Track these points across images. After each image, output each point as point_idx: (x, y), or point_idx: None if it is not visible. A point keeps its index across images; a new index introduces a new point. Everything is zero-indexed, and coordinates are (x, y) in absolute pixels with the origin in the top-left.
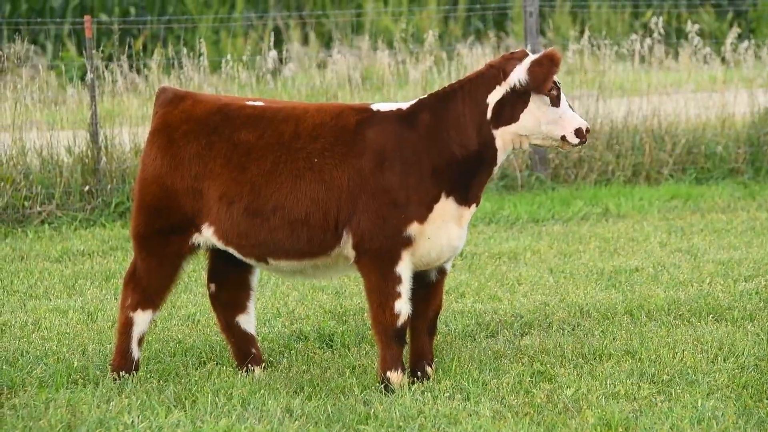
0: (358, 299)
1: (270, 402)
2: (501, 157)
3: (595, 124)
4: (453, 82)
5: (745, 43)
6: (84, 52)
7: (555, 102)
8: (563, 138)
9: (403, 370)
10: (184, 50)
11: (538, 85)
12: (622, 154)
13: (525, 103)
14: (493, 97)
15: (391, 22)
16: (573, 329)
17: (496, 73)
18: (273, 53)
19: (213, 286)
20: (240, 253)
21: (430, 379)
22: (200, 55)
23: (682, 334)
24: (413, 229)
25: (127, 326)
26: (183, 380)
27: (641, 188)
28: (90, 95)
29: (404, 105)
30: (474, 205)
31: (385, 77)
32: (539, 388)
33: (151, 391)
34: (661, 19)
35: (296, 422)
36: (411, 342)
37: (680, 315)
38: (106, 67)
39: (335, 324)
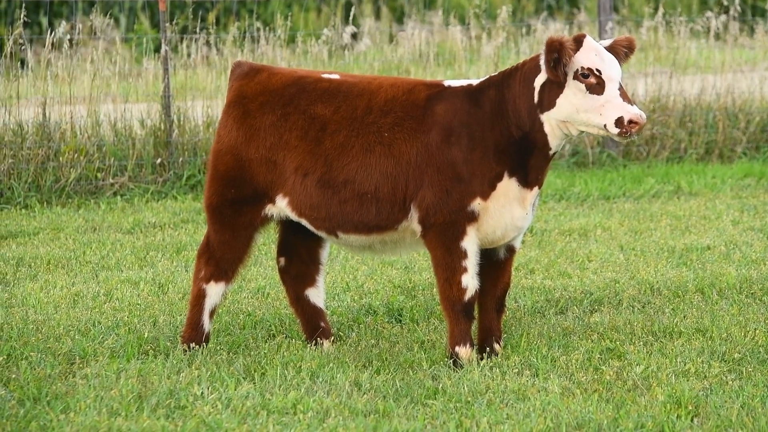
0: (427, 274)
1: (338, 375)
2: (553, 143)
3: (668, 101)
4: (520, 61)
5: None
6: (158, 25)
7: (594, 89)
8: (605, 127)
9: (472, 345)
10: (258, 24)
11: (548, 73)
12: (694, 132)
13: (561, 88)
14: (539, 81)
15: None
16: (643, 307)
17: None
18: (350, 28)
19: (283, 260)
20: (312, 225)
21: (498, 356)
22: (275, 29)
23: (753, 312)
24: (477, 204)
25: (199, 298)
26: (252, 353)
27: (714, 166)
28: (163, 68)
29: (475, 82)
30: (536, 188)
31: (458, 53)
32: (608, 365)
33: (220, 363)
34: None
35: (365, 396)
36: (479, 319)
37: (752, 294)
38: (180, 40)
39: (404, 299)
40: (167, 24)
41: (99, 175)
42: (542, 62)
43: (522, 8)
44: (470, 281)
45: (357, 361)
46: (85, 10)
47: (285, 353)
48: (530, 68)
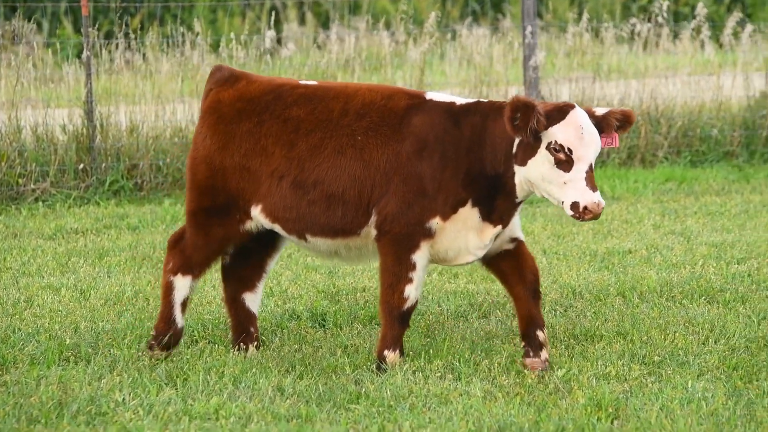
0: (351, 279)
1: (261, 381)
2: (520, 194)
3: (591, 106)
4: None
5: (749, 27)
6: (81, 30)
7: (561, 165)
8: (562, 203)
9: (401, 352)
10: (182, 29)
11: (507, 128)
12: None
13: (533, 152)
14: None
15: (389, 3)
16: (565, 310)
17: None
18: (271, 33)
19: (228, 258)
20: (284, 228)
21: (543, 347)
22: (198, 34)
23: (673, 315)
24: (435, 223)
25: (168, 290)
26: (175, 358)
27: (636, 171)
28: (86, 73)
29: (459, 100)
30: (499, 227)
31: (384, 58)
32: (530, 368)
33: (142, 368)
34: (666, 3)
35: (287, 401)
36: (518, 310)
37: (672, 297)
38: (103, 45)
39: (328, 303)
40: (90, 29)
41: (20, 180)
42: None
43: (447, 14)
44: (413, 292)
45: (280, 366)
46: (6, 15)
47: (208, 359)
48: None
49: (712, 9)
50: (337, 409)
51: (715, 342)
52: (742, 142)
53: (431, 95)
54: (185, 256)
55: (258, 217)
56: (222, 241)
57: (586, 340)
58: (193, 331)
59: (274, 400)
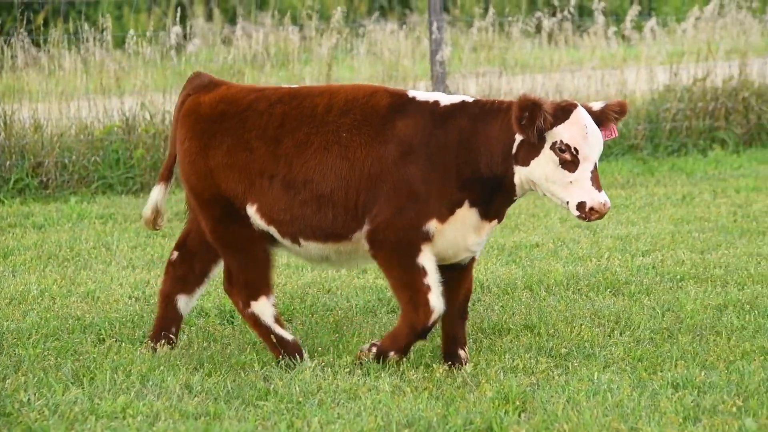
0: None
1: (169, 378)
2: (519, 192)
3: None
4: (504, 99)
5: (651, 21)
6: None
7: (566, 165)
8: (567, 204)
9: (405, 357)
10: (86, 25)
11: (515, 129)
12: None
13: (537, 152)
14: (519, 136)
15: None
16: (473, 304)
17: None
18: (177, 28)
19: (176, 254)
20: (279, 231)
21: (465, 364)
22: (103, 30)
23: (579, 308)
24: (432, 225)
25: (256, 322)
26: (81, 357)
27: None
28: None
29: (443, 98)
30: (495, 221)
31: (291, 54)
32: (439, 362)
33: (48, 368)
34: None
35: (195, 398)
36: (443, 327)
37: (579, 289)
38: (6, 42)
39: None
40: None
41: None
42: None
43: (355, 9)
44: (437, 301)
45: (188, 364)
46: None
47: (115, 357)
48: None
49: (616, 3)
50: (246, 406)
51: (621, 334)
52: (646, 135)
53: (413, 93)
54: (242, 285)
55: (254, 217)
56: (253, 245)
57: (494, 333)
58: (100, 330)
59: (182, 398)
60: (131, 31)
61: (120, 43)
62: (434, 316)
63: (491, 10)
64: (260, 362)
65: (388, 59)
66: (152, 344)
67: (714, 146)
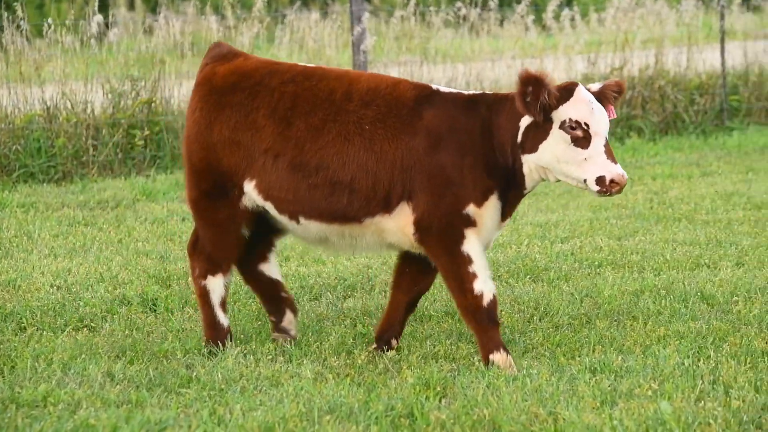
0: (182, 264)
1: (91, 367)
2: (529, 184)
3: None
4: (512, 91)
5: (570, 11)
6: None
7: (579, 142)
8: (585, 182)
9: (506, 350)
10: (6, 14)
11: (519, 107)
12: None
13: (545, 135)
14: (524, 122)
15: None
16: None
17: None
18: (98, 17)
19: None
20: (276, 208)
21: (392, 351)
22: (21, 18)
23: (500, 294)
24: (471, 209)
25: (204, 296)
26: (2, 346)
27: None
28: None
29: (463, 92)
30: (507, 221)
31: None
32: (361, 349)
33: None
34: None
35: (117, 386)
36: (387, 311)
37: (499, 276)
38: None
39: (159, 288)
40: None
41: None
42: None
43: None
44: (484, 286)
45: (110, 352)
46: None
47: (36, 345)
48: (516, 107)
49: None
50: (168, 393)
51: (540, 320)
52: None
53: (437, 86)
54: (206, 255)
55: (251, 193)
56: (232, 224)
57: (416, 320)
58: (21, 319)
59: (104, 386)
60: (50, 20)
61: (41, 32)
62: (485, 300)
63: (412, 0)
64: (183, 350)
65: (311, 48)
66: (273, 321)
67: (631, 134)
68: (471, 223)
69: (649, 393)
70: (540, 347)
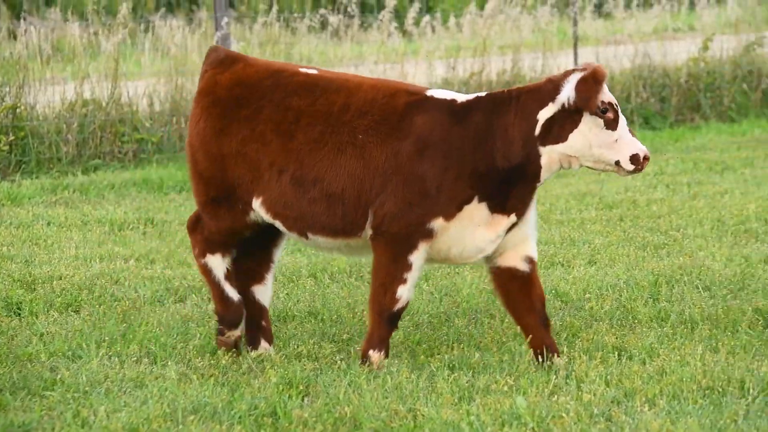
0: (47, 267)
1: None
2: (545, 175)
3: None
4: (512, 88)
5: (430, 17)
6: None
7: (610, 125)
8: (617, 163)
9: (387, 353)
10: None
11: (583, 103)
12: None
13: (575, 123)
14: (544, 114)
15: None
16: None
17: (551, 89)
18: None
19: (234, 252)
20: (285, 225)
21: (559, 372)
22: None
23: (362, 294)
24: (437, 223)
25: (207, 272)
26: None
27: None
28: None
29: (460, 97)
30: (514, 215)
31: (76, 49)
32: (225, 350)
33: None
34: None
35: None
36: (531, 340)
37: (361, 276)
38: None
39: (23, 292)
40: None
41: None
42: (570, 94)
43: (143, 5)
44: (406, 293)
45: None
46: None
47: None
48: (531, 100)
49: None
50: (32, 396)
51: (401, 319)
52: None
53: (432, 92)
54: (205, 238)
55: (259, 210)
56: (231, 232)
57: (280, 320)
58: None
59: None
60: None
61: None
62: (399, 305)
63: (275, 7)
64: (47, 353)
65: (175, 54)
66: (249, 345)
67: None
68: (430, 236)
69: (505, 388)
70: (400, 345)
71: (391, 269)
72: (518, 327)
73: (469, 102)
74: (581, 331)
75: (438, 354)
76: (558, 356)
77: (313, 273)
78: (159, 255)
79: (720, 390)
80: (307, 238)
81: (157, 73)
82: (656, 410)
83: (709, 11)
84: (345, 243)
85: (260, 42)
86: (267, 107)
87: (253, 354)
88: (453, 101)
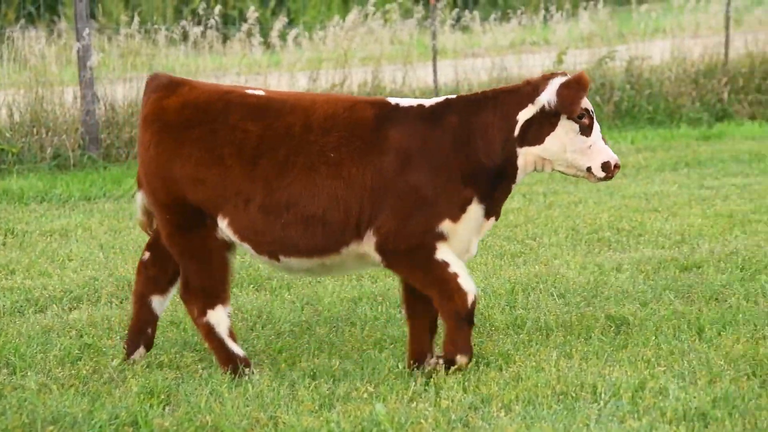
0: None
1: None
2: (520, 176)
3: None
4: (486, 89)
5: (294, 31)
6: None
7: (585, 131)
8: (589, 169)
9: (471, 355)
10: None
11: (565, 108)
12: None
13: (552, 126)
14: (524, 115)
15: None
16: (121, 302)
17: (530, 90)
18: None
19: (148, 255)
20: (255, 249)
21: (418, 379)
22: None
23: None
24: (446, 226)
25: (210, 333)
26: None
27: None
28: None
29: (424, 102)
30: (493, 219)
31: None
32: (86, 360)
33: None
34: (218, 7)
35: None
36: (411, 343)
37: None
38: None
39: None
40: None
41: None
42: (551, 97)
43: (2, 16)
44: (467, 284)
45: None
46: None
47: None
48: (510, 101)
49: (259, 12)
50: None
51: (263, 327)
52: None
53: (395, 101)
54: (198, 292)
55: (225, 231)
56: (213, 251)
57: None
58: None
59: None
60: None
61: None
62: (470, 298)
63: (136, 18)
64: None
65: (35, 66)
66: (126, 348)
67: None
68: (443, 238)
69: (365, 395)
70: (262, 354)
71: (431, 278)
72: (406, 320)
73: (439, 105)
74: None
75: (299, 362)
76: (438, 359)
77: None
78: (19, 265)
79: (573, 395)
80: (278, 261)
81: (15, 84)
82: (512, 415)
83: (563, 26)
84: (320, 262)
85: (121, 53)
86: (221, 130)
87: (133, 358)
88: (421, 106)
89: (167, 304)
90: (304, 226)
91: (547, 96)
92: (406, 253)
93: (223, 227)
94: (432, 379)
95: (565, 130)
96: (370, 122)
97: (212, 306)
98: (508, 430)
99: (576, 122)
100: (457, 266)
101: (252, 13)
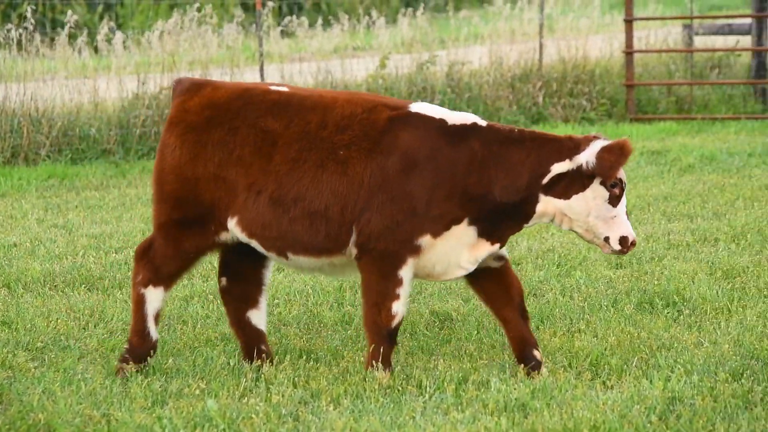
0: None
1: None
2: (534, 221)
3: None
4: (523, 128)
5: (120, 35)
6: None
7: (614, 201)
8: (606, 239)
9: (390, 370)
10: None
11: (603, 172)
12: (0, 137)
13: (583, 187)
14: (558, 168)
15: None
16: None
17: (571, 146)
18: None
19: (224, 280)
20: (263, 245)
21: (541, 364)
22: None
23: (56, 303)
24: (425, 240)
25: (139, 303)
26: None
27: (20, 169)
28: None
29: (449, 116)
30: (497, 245)
31: None
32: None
33: None
34: (36, 11)
35: None
36: (509, 332)
37: (55, 286)
38: None
39: None
40: None
41: None
42: (591, 158)
43: None
44: (400, 308)
45: None
46: None
47: None
48: (549, 148)
49: (87, 17)
50: None
51: (95, 326)
52: (117, 140)
53: (417, 108)
54: (154, 267)
55: (234, 230)
56: (195, 253)
57: None
58: None
59: None
60: None
61: None
62: (396, 321)
63: None
64: None
65: None
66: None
67: None
68: (417, 251)
69: (197, 392)
70: (95, 352)
71: (382, 287)
72: (498, 320)
73: (464, 126)
74: (270, 335)
75: (165, 359)
76: (537, 349)
77: (7, 283)
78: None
79: (400, 389)
80: (287, 258)
81: None
82: (341, 409)
83: (385, 31)
84: (328, 262)
85: None
86: (242, 128)
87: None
88: (443, 121)
89: (264, 315)
90: (310, 222)
91: (587, 156)
92: (380, 255)
93: (232, 226)
94: (263, 375)
95: (595, 194)
96: (382, 124)
97: (156, 284)
98: (337, 423)
99: (608, 190)
100: (405, 290)
101: (71, 16)
